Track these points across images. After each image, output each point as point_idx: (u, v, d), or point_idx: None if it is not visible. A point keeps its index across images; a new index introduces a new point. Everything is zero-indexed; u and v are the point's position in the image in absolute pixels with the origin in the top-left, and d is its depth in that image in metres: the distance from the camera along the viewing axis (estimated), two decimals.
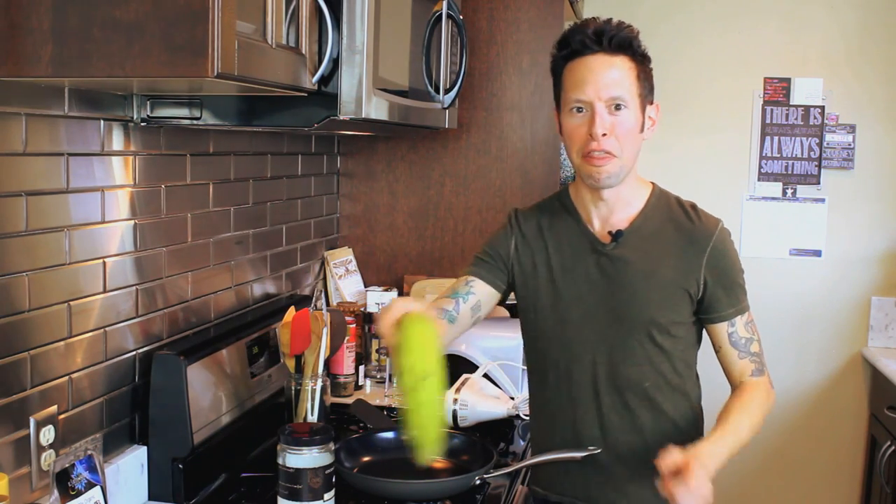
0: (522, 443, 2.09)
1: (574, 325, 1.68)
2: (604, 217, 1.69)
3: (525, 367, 1.80)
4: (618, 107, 1.57)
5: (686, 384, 1.71)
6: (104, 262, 1.60)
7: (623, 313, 1.65)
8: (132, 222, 1.69)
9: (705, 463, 1.46)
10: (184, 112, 1.65)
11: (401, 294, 2.70)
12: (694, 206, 1.71)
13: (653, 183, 1.74)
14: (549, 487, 1.77)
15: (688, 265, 1.65)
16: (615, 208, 1.68)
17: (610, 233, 1.67)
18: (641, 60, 1.62)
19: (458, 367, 2.40)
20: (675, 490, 1.43)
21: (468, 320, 1.72)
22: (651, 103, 1.65)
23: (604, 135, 1.57)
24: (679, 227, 1.67)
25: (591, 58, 1.59)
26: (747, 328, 1.69)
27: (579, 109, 1.59)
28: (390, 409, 2.30)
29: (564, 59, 1.63)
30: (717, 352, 1.71)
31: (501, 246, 1.75)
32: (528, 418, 2.14)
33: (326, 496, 1.58)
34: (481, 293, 1.73)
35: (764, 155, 3.42)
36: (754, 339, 1.70)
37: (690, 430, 1.71)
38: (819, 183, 3.39)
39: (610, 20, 1.61)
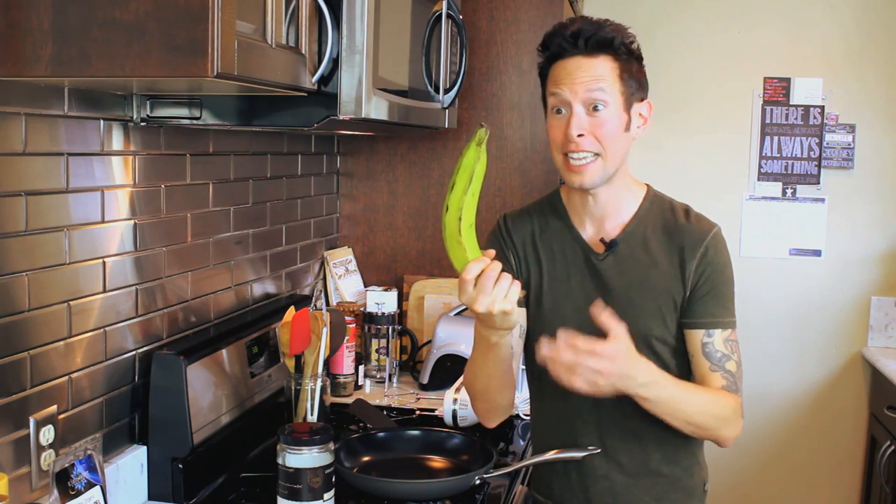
0: (522, 443, 2.09)
1: None
2: (596, 222, 1.66)
3: (524, 367, 1.80)
4: (596, 107, 1.55)
5: None
6: (104, 262, 1.60)
7: None
8: (132, 222, 1.69)
9: (627, 354, 1.44)
10: (184, 112, 1.65)
11: (400, 294, 2.70)
12: (688, 210, 1.67)
13: (648, 185, 1.71)
14: (548, 494, 1.76)
15: (678, 271, 1.61)
16: (607, 213, 1.65)
17: (603, 241, 1.64)
18: (626, 59, 1.57)
19: (458, 367, 2.40)
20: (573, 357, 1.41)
21: (521, 346, 1.70)
22: (641, 101, 1.61)
23: (580, 135, 1.54)
24: (671, 232, 1.64)
25: (570, 60, 1.57)
26: (727, 345, 1.61)
27: (559, 111, 1.57)
28: (390, 409, 2.30)
29: (548, 60, 1.61)
30: (691, 361, 1.64)
31: (503, 263, 1.71)
32: (527, 418, 2.14)
33: (326, 496, 1.58)
34: (519, 319, 1.65)
35: (764, 155, 3.42)
36: (732, 359, 1.61)
37: (690, 436, 1.70)
38: (819, 183, 3.40)
39: (590, 20, 1.58)
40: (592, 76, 1.55)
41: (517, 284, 1.43)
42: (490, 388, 1.63)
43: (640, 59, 1.61)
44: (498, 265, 1.42)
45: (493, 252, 1.45)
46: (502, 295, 1.41)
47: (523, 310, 1.70)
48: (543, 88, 1.64)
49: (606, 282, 1.63)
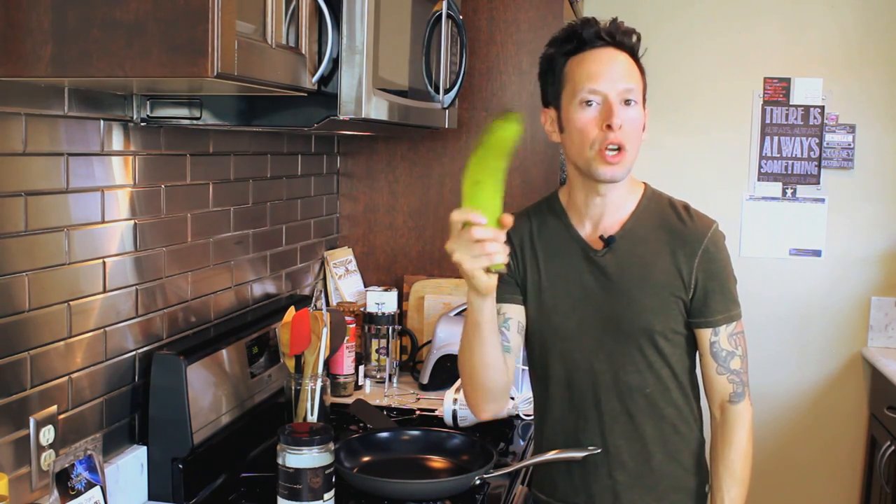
0: (522, 443, 2.09)
1: (572, 335, 1.66)
2: (595, 219, 1.66)
3: (525, 367, 1.80)
4: (628, 101, 1.55)
5: (686, 388, 1.69)
6: (104, 262, 1.60)
7: (620, 321, 1.63)
8: (132, 222, 1.69)
9: None
10: (184, 112, 1.65)
11: (400, 294, 2.70)
12: (687, 207, 1.68)
13: (645, 183, 1.72)
14: (550, 493, 1.76)
15: (679, 268, 1.62)
16: (607, 210, 1.65)
17: (602, 238, 1.65)
18: (640, 62, 1.62)
19: (458, 367, 2.40)
20: None
21: (520, 343, 1.70)
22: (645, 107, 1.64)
23: (619, 126, 1.53)
24: (671, 229, 1.65)
25: (602, 50, 1.57)
26: (731, 340, 1.65)
27: (589, 102, 1.55)
28: (390, 409, 2.30)
29: (567, 53, 1.59)
30: (699, 358, 1.69)
31: None
32: (528, 418, 2.14)
33: (326, 496, 1.58)
34: (516, 315, 1.68)
35: (764, 155, 3.42)
36: (736, 354, 1.65)
37: (691, 435, 1.71)
38: (819, 183, 3.40)
39: (614, 20, 1.61)
40: (626, 70, 1.57)
41: (493, 257, 1.39)
42: (475, 367, 1.61)
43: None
44: (494, 230, 1.40)
45: (508, 218, 1.43)
46: (472, 252, 1.39)
47: (521, 307, 1.70)
48: (558, 83, 1.61)
49: (606, 278, 1.64)
